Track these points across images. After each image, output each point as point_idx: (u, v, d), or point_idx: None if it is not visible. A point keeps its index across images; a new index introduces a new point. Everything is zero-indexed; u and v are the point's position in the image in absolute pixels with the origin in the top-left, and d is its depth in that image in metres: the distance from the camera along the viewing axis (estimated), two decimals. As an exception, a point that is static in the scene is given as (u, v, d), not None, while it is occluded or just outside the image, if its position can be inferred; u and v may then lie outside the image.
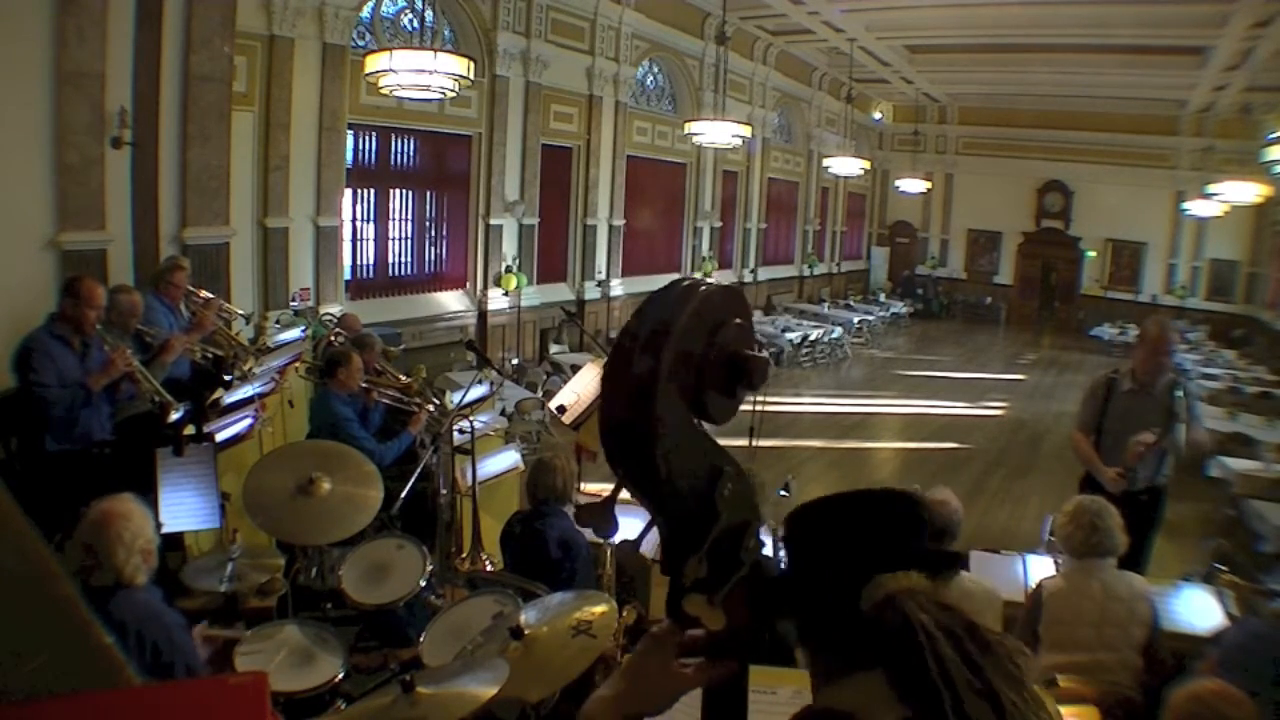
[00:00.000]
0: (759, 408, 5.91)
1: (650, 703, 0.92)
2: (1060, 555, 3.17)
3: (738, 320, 0.84)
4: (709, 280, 0.86)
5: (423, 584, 3.04)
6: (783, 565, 0.93)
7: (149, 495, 3.10)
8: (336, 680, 2.57)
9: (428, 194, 10.12)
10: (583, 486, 4.54)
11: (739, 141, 11.46)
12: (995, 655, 0.84)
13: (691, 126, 10.55)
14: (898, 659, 0.84)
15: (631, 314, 0.81)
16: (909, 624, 0.85)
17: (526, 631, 2.12)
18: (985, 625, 0.88)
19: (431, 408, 4.97)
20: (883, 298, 19.92)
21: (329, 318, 7.47)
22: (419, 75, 6.12)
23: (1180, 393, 4.03)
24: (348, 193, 8.82)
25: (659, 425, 0.76)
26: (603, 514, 0.85)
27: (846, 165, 14.82)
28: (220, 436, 4.10)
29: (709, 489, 0.82)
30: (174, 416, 4.09)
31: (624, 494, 0.87)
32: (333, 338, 6.40)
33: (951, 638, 0.84)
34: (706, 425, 0.87)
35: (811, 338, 13.93)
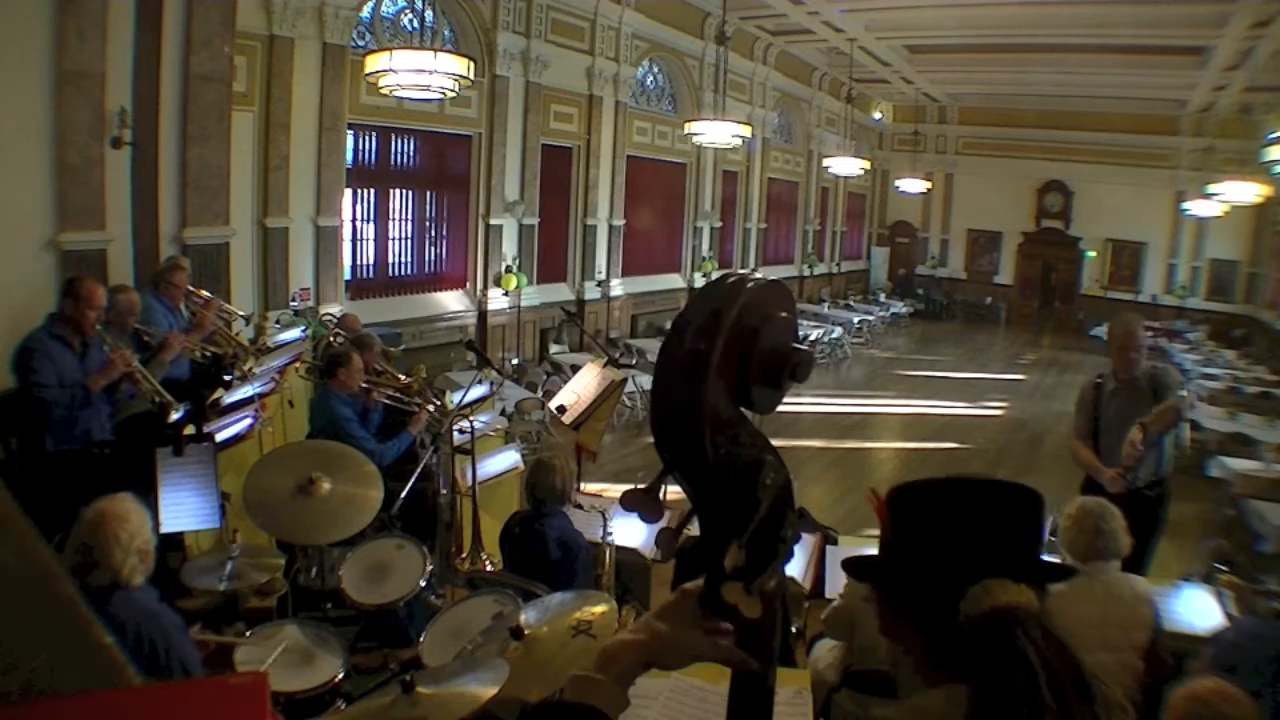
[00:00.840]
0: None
1: (669, 657, 0.90)
2: (1063, 557, 3.16)
3: (783, 314, 0.87)
4: (756, 275, 0.88)
5: (423, 584, 3.04)
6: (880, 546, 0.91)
7: (149, 495, 3.10)
8: (336, 680, 2.57)
9: (428, 194, 10.12)
10: (583, 487, 4.55)
11: (739, 141, 11.46)
12: (1092, 706, 0.79)
13: (691, 126, 10.54)
14: (987, 683, 0.80)
15: (685, 304, 0.84)
16: (1014, 651, 0.79)
17: (526, 631, 2.12)
18: (1090, 670, 0.83)
19: (432, 408, 4.97)
20: (883, 298, 19.92)
21: (329, 318, 7.48)
22: (419, 75, 6.12)
23: (1164, 379, 4.12)
24: (348, 193, 8.82)
25: (708, 410, 0.78)
26: (649, 501, 0.86)
27: (846, 165, 14.82)
28: (220, 436, 4.10)
29: (752, 477, 0.83)
30: (174, 416, 4.09)
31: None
32: (333, 338, 6.40)
33: (1053, 679, 0.78)
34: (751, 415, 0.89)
35: (811, 338, 13.92)
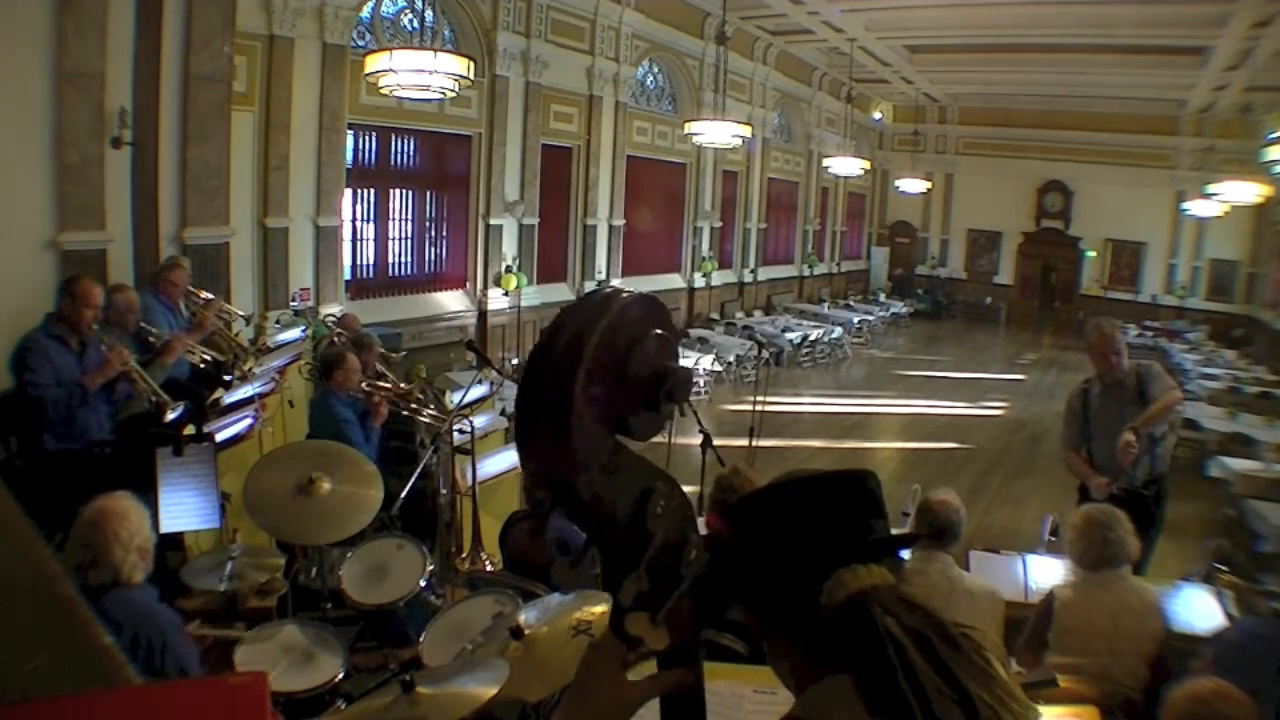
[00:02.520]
0: (759, 408, 5.93)
1: (607, 718, 0.89)
2: (1072, 568, 3.16)
3: (657, 331, 0.80)
4: (626, 291, 0.81)
5: (423, 584, 3.04)
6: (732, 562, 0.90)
7: (149, 495, 3.10)
8: (336, 680, 2.57)
9: (428, 194, 10.12)
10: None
11: (739, 141, 11.45)
12: (965, 654, 0.82)
13: (691, 126, 10.54)
14: (864, 666, 0.82)
15: (548, 325, 0.77)
16: (877, 628, 0.82)
17: (526, 631, 2.12)
18: (952, 620, 0.85)
19: (428, 411, 4.95)
20: (883, 298, 19.92)
21: (329, 318, 7.48)
22: (419, 75, 6.13)
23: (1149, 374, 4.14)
24: (348, 193, 8.82)
25: (577, 454, 0.72)
26: (533, 545, 0.84)
27: (846, 165, 14.82)
28: (220, 436, 4.10)
29: (640, 508, 0.79)
30: (170, 416, 4.09)
31: None
32: (333, 339, 6.40)
33: (920, 642, 0.81)
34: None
35: (811, 338, 13.93)
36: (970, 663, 0.81)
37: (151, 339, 4.66)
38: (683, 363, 0.84)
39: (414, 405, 4.95)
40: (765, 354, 10.09)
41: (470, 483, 4.29)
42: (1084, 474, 4.28)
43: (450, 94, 6.77)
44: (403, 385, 5.31)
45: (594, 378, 0.72)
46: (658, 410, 0.79)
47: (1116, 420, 4.09)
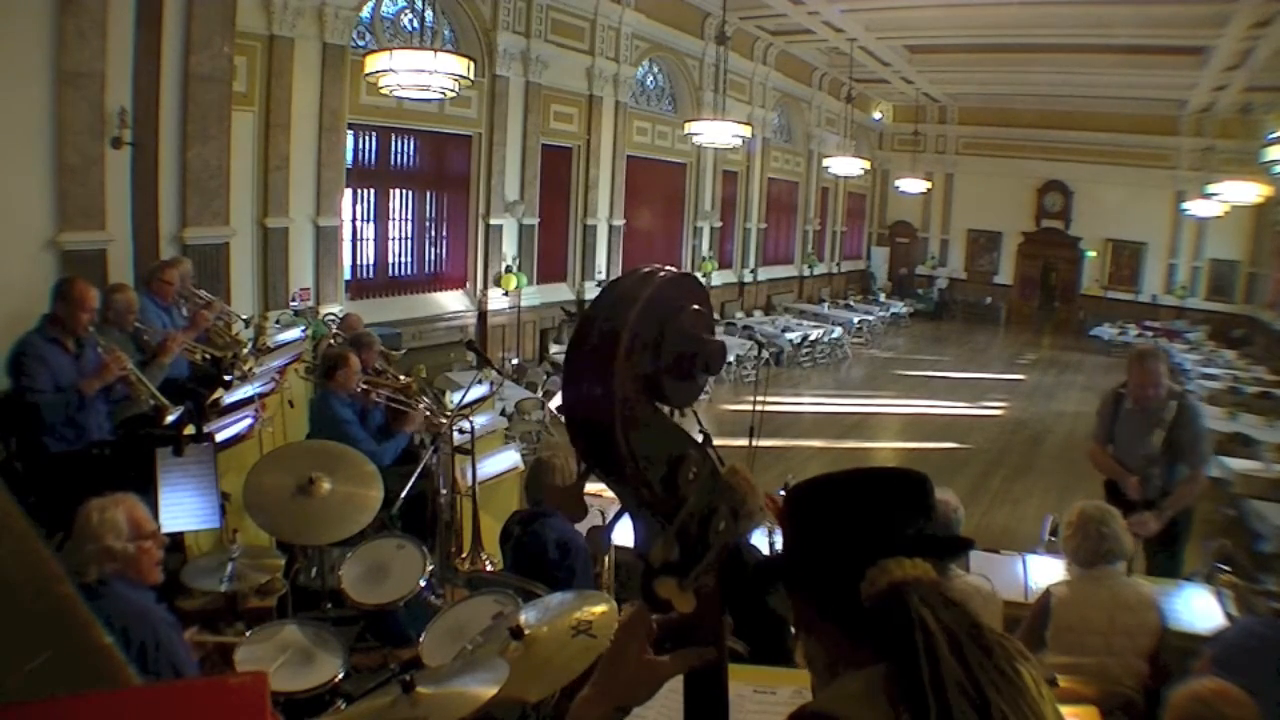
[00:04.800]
0: (759, 408, 5.92)
1: (633, 693, 0.91)
2: (1068, 564, 3.17)
3: (694, 306, 0.85)
4: (667, 268, 0.86)
5: (423, 584, 3.03)
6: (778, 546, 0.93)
7: (149, 495, 3.10)
8: (336, 680, 2.56)
9: (428, 194, 10.12)
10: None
11: (739, 141, 11.46)
12: (995, 661, 0.82)
13: (691, 126, 10.54)
14: (896, 652, 0.83)
15: (592, 299, 0.83)
16: (911, 618, 0.83)
17: (526, 631, 2.12)
18: (989, 626, 0.87)
19: (427, 405, 4.96)
20: (883, 298, 19.92)
21: (329, 318, 7.48)
22: (419, 75, 6.13)
23: (1180, 409, 4.12)
24: (348, 193, 8.82)
25: (618, 404, 0.77)
26: (570, 499, 0.87)
27: (846, 165, 14.82)
28: (220, 436, 4.09)
29: (672, 471, 0.83)
30: (170, 419, 4.08)
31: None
32: (333, 339, 6.40)
33: (952, 639, 0.82)
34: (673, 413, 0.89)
35: (811, 338, 13.93)
36: (999, 671, 0.82)
37: (146, 338, 4.66)
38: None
39: (413, 399, 4.96)
40: (765, 354, 10.09)
41: (470, 483, 4.29)
42: (1114, 472, 4.29)
43: (450, 94, 6.77)
44: (401, 378, 5.32)
45: (635, 342, 0.78)
46: (691, 378, 0.84)
47: (1137, 438, 4.14)
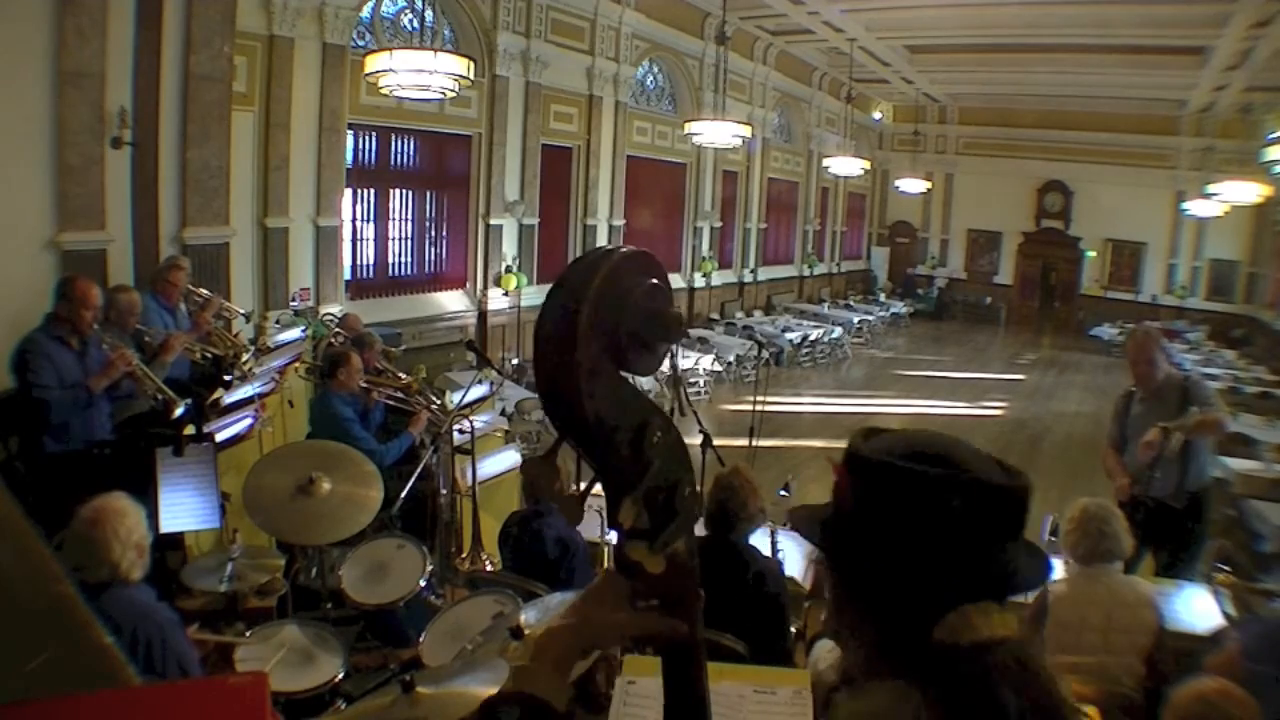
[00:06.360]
0: (759, 408, 5.92)
1: (600, 637, 0.92)
2: (1066, 560, 3.17)
3: (653, 280, 0.89)
4: (624, 246, 0.91)
5: (423, 584, 3.04)
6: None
7: (148, 495, 3.10)
8: (336, 680, 2.57)
9: (428, 194, 10.12)
10: (581, 486, 4.54)
11: (739, 141, 11.45)
12: None
13: (691, 126, 10.54)
14: (952, 706, 0.76)
15: (555, 280, 0.87)
16: (986, 688, 0.75)
17: (526, 631, 2.12)
18: (1071, 705, 0.79)
19: (432, 407, 4.97)
20: (883, 298, 19.92)
21: (330, 318, 7.48)
22: (419, 75, 6.13)
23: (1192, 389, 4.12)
24: (348, 193, 8.82)
25: (582, 370, 0.81)
26: (545, 468, 0.89)
27: (846, 165, 14.82)
28: (220, 436, 4.10)
29: (638, 436, 0.86)
30: (178, 413, 4.09)
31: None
32: (333, 339, 6.40)
33: (1023, 716, 0.74)
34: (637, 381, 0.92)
35: (811, 338, 13.93)
36: None
37: (147, 339, 4.66)
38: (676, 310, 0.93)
39: (416, 400, 4.97)
40: (765, 354, 10.08)
41: (470, 483, 4.29)
42: (1111, 472, 4.29)
43: (450, 94, 6.77)
44: (403, 377, 5.32)
45: (598, 313, 0.82)
46: (652, 349, 0.88)
47: (1147, 429, 4.09)
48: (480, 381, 5.58)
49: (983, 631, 0.78)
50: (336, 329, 6.72)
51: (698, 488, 0.90)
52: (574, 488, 3.83)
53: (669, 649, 0.92)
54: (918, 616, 0.80)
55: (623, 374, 0.87)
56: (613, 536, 0.91)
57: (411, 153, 9.79)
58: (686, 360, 10.01)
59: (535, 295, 10.99)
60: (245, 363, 5.13)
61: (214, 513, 3.48)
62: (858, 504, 0.87)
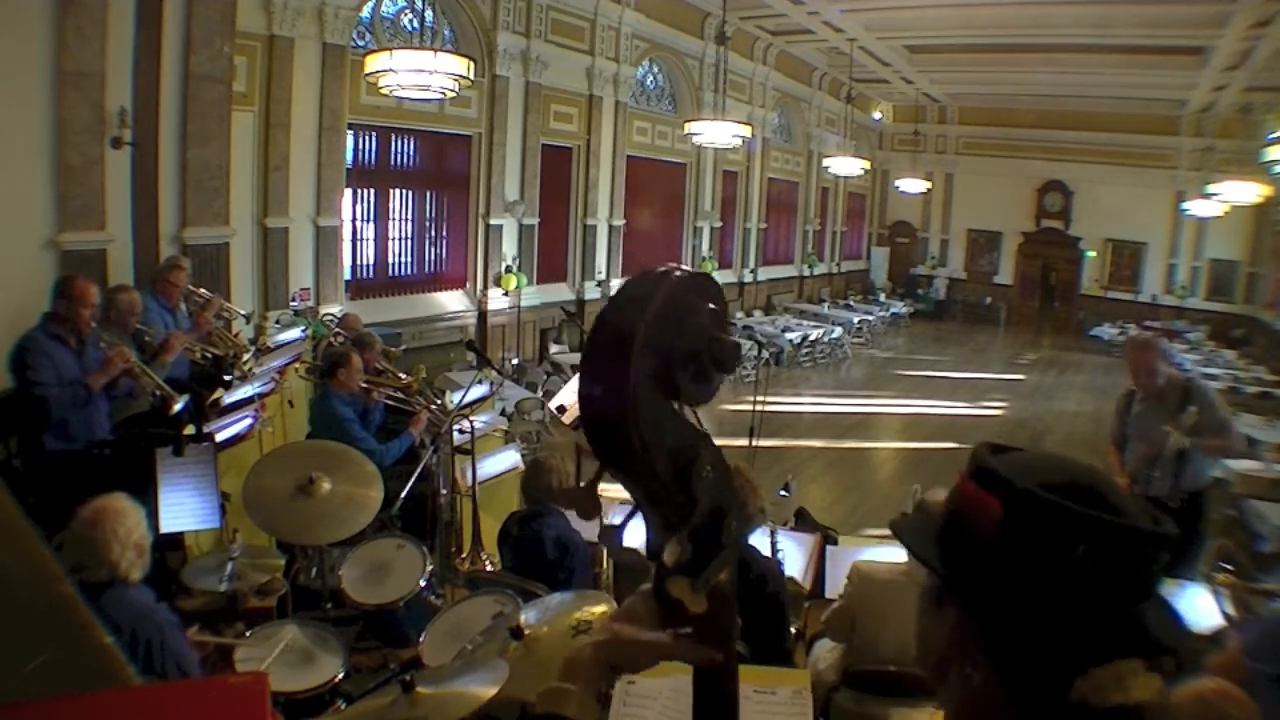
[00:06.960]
0: (759, 408, 5.92)
1: (633, 659, 0.89)
2: None
3: (710, 305, 0.85)
4: (683, 268, 0.86)
5: (423, 584, 3.04)
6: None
7: (148, 495, 3.10)
8: (336, 680, 2.57)
9: (428, 194, 10.12)
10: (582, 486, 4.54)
11: (739, 141, 11.46)
12: None
13: (691, 126, 10.54)
14: None
15: (609, 298, 0.83)
16: None
17: (526, 631, 2.12)
18: None
19: (433, 407, 4.97)
20: (883, 298, 19.92)
21: (330, 318, 7.47)
22: (419, 75, 6.13)
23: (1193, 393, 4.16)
24: (348, 193, 8.81)
25: (631, 399, 0.77)
26: (584, 499, 0.86)
27: (846, 165, 14.82)
28: (220, 436, 4.10)
29: (686, 469, 0.82)
30: (177, 408, 4.09)
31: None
32: (333, 339, 6.40)
33: None
34: (686, 411, 0.87)
35: (811, 338, 13.93)
36: None
37: (148, 339, 4.66)
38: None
39: (416, 400, 4.97)
40: (765, 354, 10.08)
41: (470, 483, 4.29)
42: (1111, 470, 4.34)
43: (450, 94, 6.77)
44: (403, 377, 5.32)
45: (650, 340, 0.78)
46: (707, 379, 0.84)
47: (1147, 431, 4.17)
48: (480, 381, 5.58)
49: (1133, 693, 0.74)
50: (336, 329, 6.72)
51: (747, 510, 0.88)
52: (575, 486, 3.83)
53: (705, 672, 0.90)
54: (1062, 670, 0.75)
55: (673, 404, 0.83)
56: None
57: (411, 153, 9.78)
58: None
59: (535, 295, 11.00)
60: (245, 363, 5.13)
61: (214, 513, 3.48)
62: (1004, 534, 0.79)
